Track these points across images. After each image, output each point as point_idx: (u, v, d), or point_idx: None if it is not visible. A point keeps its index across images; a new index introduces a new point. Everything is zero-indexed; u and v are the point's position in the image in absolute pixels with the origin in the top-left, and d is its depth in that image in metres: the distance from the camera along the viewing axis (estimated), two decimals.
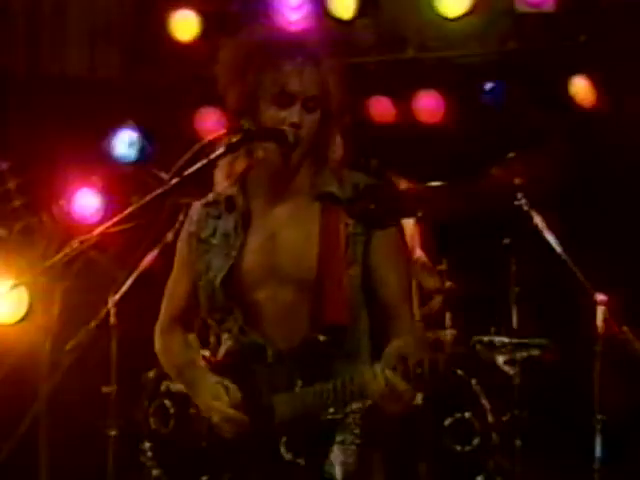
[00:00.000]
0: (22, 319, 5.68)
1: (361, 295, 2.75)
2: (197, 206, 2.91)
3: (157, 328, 3.04)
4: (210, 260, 2.82)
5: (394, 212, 2.85)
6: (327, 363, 2.68)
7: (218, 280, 2.78)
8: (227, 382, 2.77)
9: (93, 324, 5.12)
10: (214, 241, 2.82)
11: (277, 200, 2.79)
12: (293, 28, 5.97)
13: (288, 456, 2.67)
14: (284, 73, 2.69)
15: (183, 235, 2.93)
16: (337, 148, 2.79)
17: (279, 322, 2.74)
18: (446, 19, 5.80)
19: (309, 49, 2.74)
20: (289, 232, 2.74)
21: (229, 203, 2.83)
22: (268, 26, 2.94)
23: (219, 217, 2.84)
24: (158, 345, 3.03)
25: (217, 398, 2.75)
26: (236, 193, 2.82)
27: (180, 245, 2.95)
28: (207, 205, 2.89)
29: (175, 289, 2.98)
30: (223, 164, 2.79)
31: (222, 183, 2.84)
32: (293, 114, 2.68)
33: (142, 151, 6.16)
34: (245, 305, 2.76)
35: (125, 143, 6.21)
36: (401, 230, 2.85)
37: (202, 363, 2.93)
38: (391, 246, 2.75)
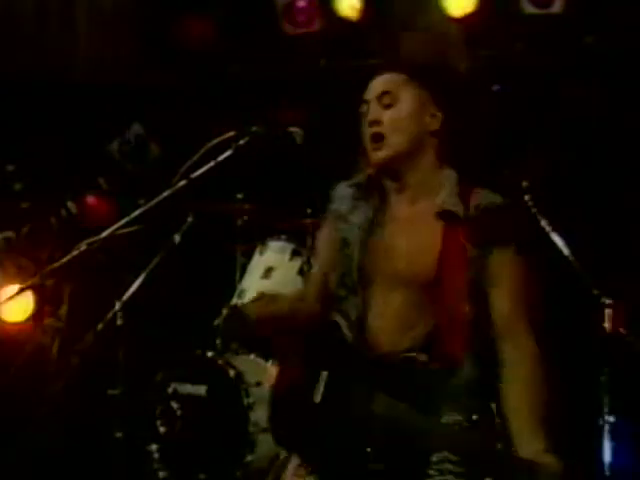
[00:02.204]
0: (28, 318, 5.69)
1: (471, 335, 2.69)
2: (342, 185, 2.92)
3: None
4: (347, 236, 2.81)
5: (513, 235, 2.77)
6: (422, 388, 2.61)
7: (356, 254, 2.76)
8: None
9: (100, 326, 5.12)
10: (354, 219, 2.83)
11: (401, 202, 2.80)
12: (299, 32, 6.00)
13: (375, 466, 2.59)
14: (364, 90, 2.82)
15: (327, 214, 2.94)
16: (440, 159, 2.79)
17: (384, 324, 2.70)
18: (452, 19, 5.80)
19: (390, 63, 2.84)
20: (405, 239, 2.74)
21: (368, 190, 2.85)
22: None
23: (360, 199, 2.85)
24: None
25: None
26: (373, 183, 2.85)
27: (324, 223, 2.96)
28: (351, 186, 2.90)
29: (313, 268, 3.03)
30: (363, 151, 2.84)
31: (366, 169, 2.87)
32: (369, 113, 2.76)
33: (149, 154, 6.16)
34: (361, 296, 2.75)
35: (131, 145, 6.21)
36: (523, 251, 2.77)
37: None
38: (505, 268, 2.70)
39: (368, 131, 2.76)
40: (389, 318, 2.68)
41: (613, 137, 5.61)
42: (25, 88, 6.25)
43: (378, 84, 2.80)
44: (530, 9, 5.72)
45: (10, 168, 5.93)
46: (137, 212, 2.63)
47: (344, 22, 6.02)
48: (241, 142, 2.67)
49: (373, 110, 2.77)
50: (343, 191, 2.90)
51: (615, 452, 4.55)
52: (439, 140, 2.77)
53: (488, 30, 5.95)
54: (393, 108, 2.74)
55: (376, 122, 2.75)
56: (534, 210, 4.88)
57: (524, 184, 4.86)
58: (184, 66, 6.44)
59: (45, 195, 6.01)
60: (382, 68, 2.82)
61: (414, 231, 2.72)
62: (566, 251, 4.77)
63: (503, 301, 2.69)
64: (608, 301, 4.61)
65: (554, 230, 4.83)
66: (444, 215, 2.72)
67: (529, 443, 2.58)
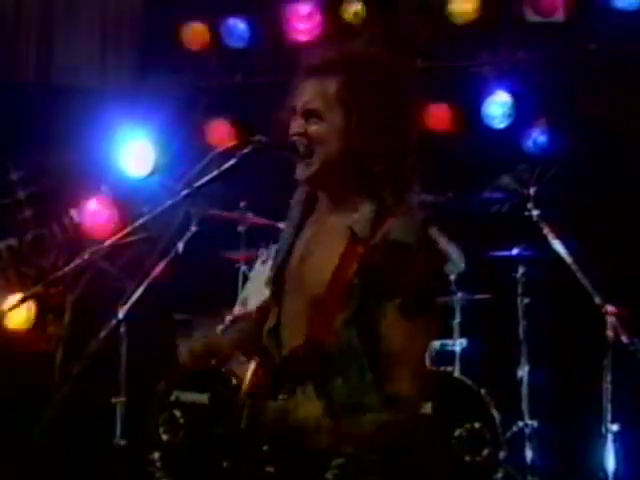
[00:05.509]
0: (31, 326, 5.70)
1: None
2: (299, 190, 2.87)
3: None
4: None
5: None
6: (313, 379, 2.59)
7: (280, 259, 2.77)
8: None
9: (103, 334, 5.13)
10: (284, 233, 2.83)
11: (323, 213, 2.75)
12: (303, 39, 6.00)
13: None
14: (291, 92, 2.69)
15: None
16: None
17: (287, 331, 2.70)
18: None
19: (319, 66, 2.69)
20: (317, 248, 2.70)
21: (305, 196, 2.81)
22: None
23: (299, 203, 2.81)
24: None
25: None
26: (305, 196, 2.81)
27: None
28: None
29: None
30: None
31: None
32: (295, 125, 2.66)
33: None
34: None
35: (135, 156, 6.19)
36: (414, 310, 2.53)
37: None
38: (397, 317, 2.50)
39: (294, 142, 2.65)
40: (292, 328, 2.66)
41: (611, 143, 5.62)
42: (30, 97, 6.27)
43: (307, 96, 2.66)
44: (533, 17, 5.73)
45: (15, 176, 5.93)
46: (140, 221, 2.62)
47: (346, 31, 6.03)
48: (245, 150, 2.65)
49: (298, 121, 2.66)
50: (298, 195, 2.83)
51: (619, 460, 4.55)
52: (364, 163, 2.63)
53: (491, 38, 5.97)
54: (320, 124, 2.63)
55: (300, 134, 2.64)
56: (537, 218, 4.90)
57: (526, 192, 4.89)
58: (189, 74, 6.45)
59: (49, 203, 6.02)
60: (316, 70, 2.66)
61: (325, 243, 2.67)
62: (568, 259, 4.77)
63: (394, 347, 2.52)
64: (611, 309, 4.62)
65: (557, 238, 4.84)
66: (352, 232, 2.59)
67: None
